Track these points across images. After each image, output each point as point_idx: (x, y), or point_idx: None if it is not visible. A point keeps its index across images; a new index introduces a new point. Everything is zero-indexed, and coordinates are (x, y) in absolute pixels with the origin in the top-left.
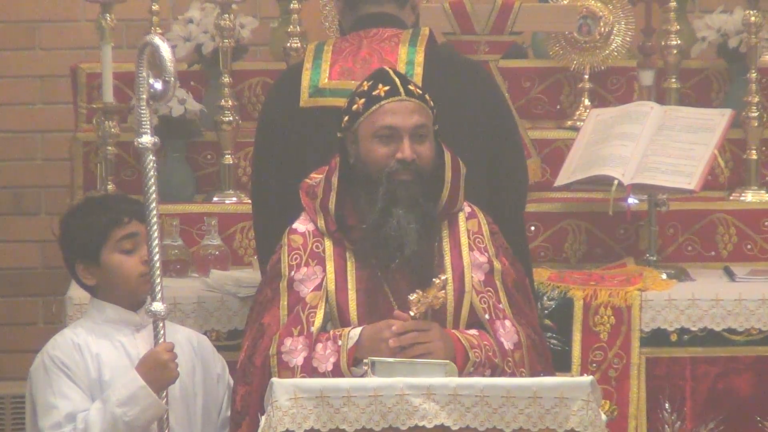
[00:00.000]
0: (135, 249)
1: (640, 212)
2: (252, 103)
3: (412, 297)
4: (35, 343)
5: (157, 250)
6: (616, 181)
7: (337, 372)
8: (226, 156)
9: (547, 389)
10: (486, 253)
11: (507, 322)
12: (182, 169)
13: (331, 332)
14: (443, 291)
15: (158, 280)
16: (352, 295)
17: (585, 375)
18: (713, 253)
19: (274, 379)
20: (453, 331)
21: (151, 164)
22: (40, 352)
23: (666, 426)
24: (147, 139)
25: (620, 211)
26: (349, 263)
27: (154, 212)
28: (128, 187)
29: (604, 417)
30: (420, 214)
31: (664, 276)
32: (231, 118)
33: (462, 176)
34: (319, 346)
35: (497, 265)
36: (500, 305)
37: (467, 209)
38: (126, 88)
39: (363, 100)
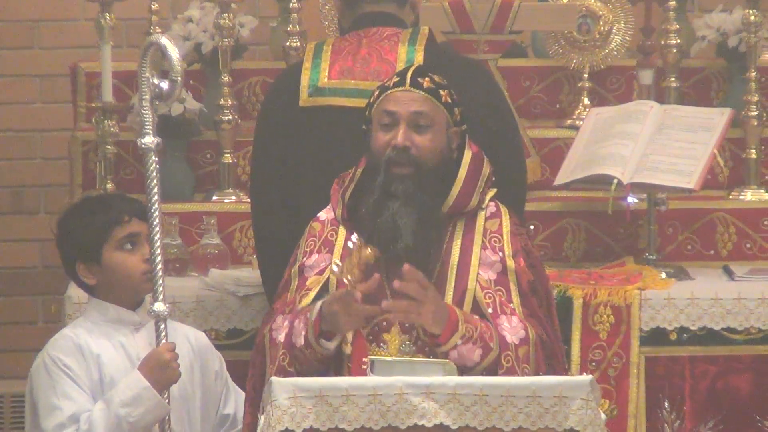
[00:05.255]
0: (136, 247)
1: (640, 211)
2: (251, 102)
3: (335, 270)
4: (35, 342)
5: (159, 250)
6: (615, 180)
7: (308, 345)
8: (226, 155)
9: (547, 388)
10: (500, 253)
11: (514, 318)
12: (182, 168)
13: (307, 307)
14: (365, 248)
15: (160, 280)
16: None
17: (584, 374)
18: (712, 252)
19: (273, 378)
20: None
21: (154, 165)
22: (41, 352)
23: (665, 425)
24: (150, 140)
25: (620, 210)
26: None
27: (157, 212)
28: (128, 186)
29: (603, 416)
30: (417, 208)
31: (663, 275)
32: (230, 117)
33: (483, 177)
34: (297, 321)
35: (510, 264)
36: (510, 305)
37: (492, 209)
38: (125, 87)
39: (377, 91)
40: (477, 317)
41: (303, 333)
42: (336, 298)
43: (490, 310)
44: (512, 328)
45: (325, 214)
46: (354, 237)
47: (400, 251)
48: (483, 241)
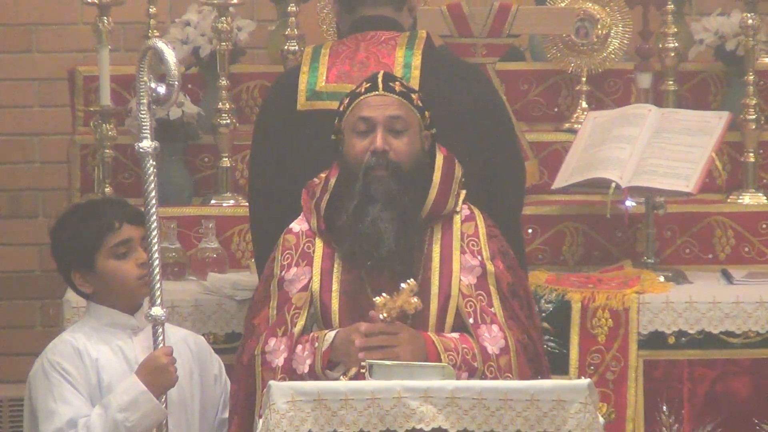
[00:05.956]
0: (129, 252)
1: (638, 215)
2: (249, 106)
3: (378, 300)
4: (33, 346)
5: (156, 255)
6: (613, 184)
7: (312, 374)
8: (224, 159)
9: (545, 392)
10: (479, 257)
11: (494, 327)
12: (180, 172)
13: (312, 334)
14: (415, 297)
15: (158, 284)
16: (335, 296)
17: (582, 378)
18: (711, 255)
19: (272, 382)
20: (428, 333)
21: (152, 169)
22: (39, 357)
23: (663, 429)
24: (147, 144)
25: (618, 213)
26: (336, 264)
27: (154, 217)
28: (126, 190)
29: (601, 420)
30: (397, 211)
31: (661, 279)
32: (228, 121)
33: (456, 179)
34: (299, 347)
35: (490, 267)
36: (491, 309)
37: (466, 212)
38: (123, 91)
39: (347, 99)
40: (456, 337)
41: (308, 362)
42: (356, 330)
43: (471, 321)
44: (492, 338)
45: (298, 226)
46: (410, 281)
47: (384, 256)
48: (461, 246)
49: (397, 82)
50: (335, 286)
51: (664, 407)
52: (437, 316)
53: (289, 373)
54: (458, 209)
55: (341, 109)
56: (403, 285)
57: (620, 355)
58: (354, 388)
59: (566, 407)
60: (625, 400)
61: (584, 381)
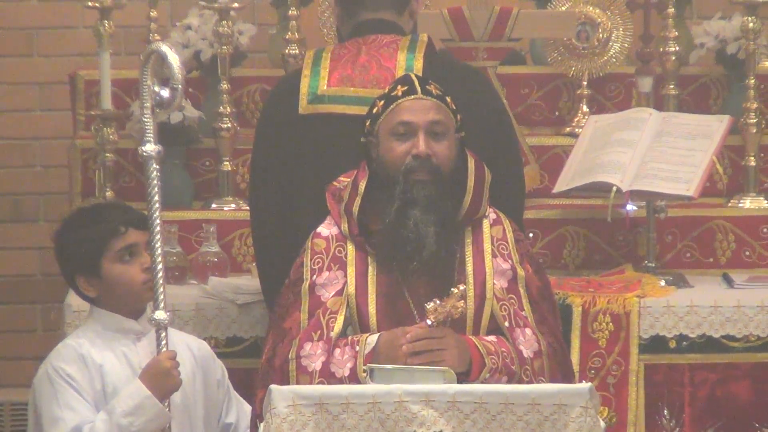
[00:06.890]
0: (134, 257)
1: (639, 219)
2: (250, 109)
3: (429, 306)
4: (34, 350)
5: (160, 259)
6: (614, 188)
7: (353, 377)
8: (225, 163)
9: (546, 396)
10: (510, 260)
11: (528, 331)
12: (181, 175)
13: (350, 338)
14: (462, 301)
15: (161, 288)
16: (371, 300)
17: (583, 382)
18: (712, 259)
19: (273, 386)
20: (470, 337)
21: (155, 173)
22: (44, 362)
23: None
24: (150, 148)
25: (619, 217)
26: (370, 268)
27: (158, 221)
28: (127, 194)
29: (602, 424)
30: (438, 215)
31: (662, 283)
32: (229, 125)
33: (486, 183)
34: (338, 351)
35: (521, 272)
36: (522, 313)
37: (492, 216)
38: (124, 94)
39: (382, 102)
40: (494, 340)
41: (349, 365)
42: (403, 333)
43: (506, 324)
44: (527, 341)
45: (327, 230)
46: (461, 287)
47: (426, 260)
48: (492, 249)
49: (431, 85)
50: (371, 289)
51: (665, 411)
52: (473, 319)
53: (328, 376)
54: (487, 213)
55: (375, 111)
56: (453, 289)
57: (621, 359)
58: (355, 392)
59: (567, 411)
60: (626, 404)
61: (585, 385)
